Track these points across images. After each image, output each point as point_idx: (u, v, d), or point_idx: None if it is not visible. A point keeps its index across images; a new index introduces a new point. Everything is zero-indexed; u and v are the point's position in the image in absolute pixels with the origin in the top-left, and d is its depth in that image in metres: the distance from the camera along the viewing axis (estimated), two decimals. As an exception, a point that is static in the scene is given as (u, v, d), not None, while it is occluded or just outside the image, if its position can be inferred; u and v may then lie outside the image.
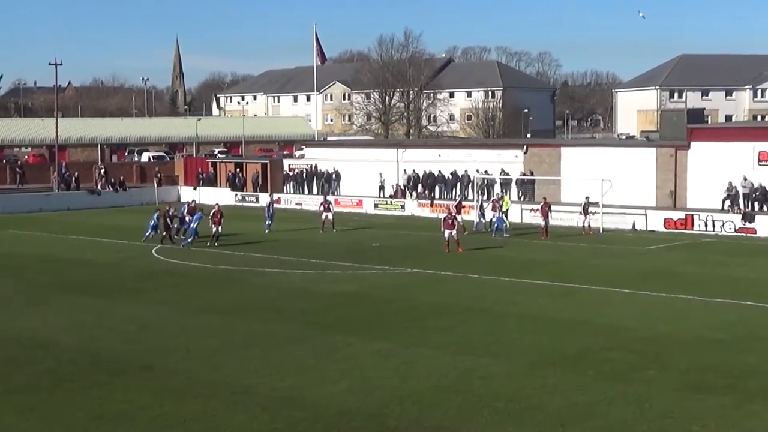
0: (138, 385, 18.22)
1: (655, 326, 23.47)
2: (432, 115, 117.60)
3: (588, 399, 17.17)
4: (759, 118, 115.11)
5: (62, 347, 21.64)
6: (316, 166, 64.94)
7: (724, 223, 44.99)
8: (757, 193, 47.00)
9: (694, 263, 35.31)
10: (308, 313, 25.67)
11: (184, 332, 23.17)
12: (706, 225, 45.36)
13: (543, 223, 43.91)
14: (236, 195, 65.18)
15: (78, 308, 26.55)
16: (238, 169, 68.62)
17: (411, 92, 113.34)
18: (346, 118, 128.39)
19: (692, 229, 45.43)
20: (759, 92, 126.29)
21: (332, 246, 40.64)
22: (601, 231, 45.17)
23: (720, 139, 50.13)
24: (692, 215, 46.16)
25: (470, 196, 53.93)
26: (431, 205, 55.45)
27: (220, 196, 62.66)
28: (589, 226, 44.87)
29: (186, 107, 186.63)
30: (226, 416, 16.30)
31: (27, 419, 16.36)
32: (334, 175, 63.31)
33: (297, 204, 61.47)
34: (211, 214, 40.90)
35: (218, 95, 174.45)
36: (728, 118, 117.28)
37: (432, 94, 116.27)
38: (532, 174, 55.10)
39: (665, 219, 46.91)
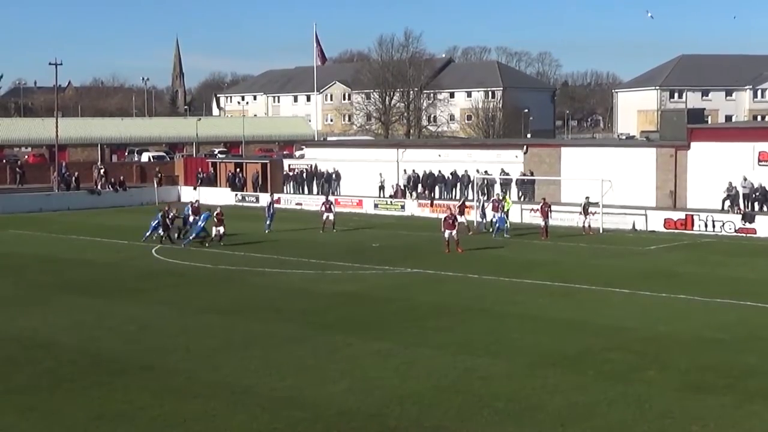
0: (138, 385, 18.23)
1: (655, 326, 23.48)
2: (432, 115, 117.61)
3: (588, 399, 17.17)
4: (759, 118, 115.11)
5: (62, 347, 21.64)
6: (316, 166, 64.94)
7: (724, 224, 45.00)
8: (757, 194, 47.00)
9: (694, 263, 35.32)
10: (308, 313, 25.67)
11: (184, 332, 23.17)
12: (706, 225, 45.37)
13: (543, 224, 43.92)
14: (236, 195, 65.18)
15: (78, 308, 26.55)
16: (238, 169, 68.62)
17: (411, 92, 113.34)
18: (346, 118, 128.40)
19: (692, 230, 45.43)
20: (759, 92, 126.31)
21: (332, 246, 40.64)
22: (601, 231, 45.18)
23: (720, 139, 50.14)
24: (692, 215, 46.17)
25: (470, 197, 53.92)
26: (431, 205, 55.44)
27: (220, 196, 62.82)
28: (589, 226, 44.87)
29: (186, 107, 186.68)
30: (226, 416, 16.30)
31: (27, 419, 16.36)
32: (334, 175, 63.31)
33: (297, 204, 61.47)
34: (214, 214, 40.97)
35: (218, 95, 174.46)
36: (728, 118, 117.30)
37: (432, 94, 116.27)
38: (532, 174, 55.11)
39: (665, 219, 46.92)
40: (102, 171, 69.21)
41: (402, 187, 59.94)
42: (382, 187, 60.63)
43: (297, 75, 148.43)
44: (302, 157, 71.93)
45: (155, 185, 66.57)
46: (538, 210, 45.94)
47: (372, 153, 64.90)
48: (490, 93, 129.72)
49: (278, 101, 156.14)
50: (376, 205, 58.40)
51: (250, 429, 15.71)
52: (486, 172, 55.49)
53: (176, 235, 42.07)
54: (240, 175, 67.47)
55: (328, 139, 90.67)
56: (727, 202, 47.11)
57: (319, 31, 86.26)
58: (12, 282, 31.75)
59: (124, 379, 18.76)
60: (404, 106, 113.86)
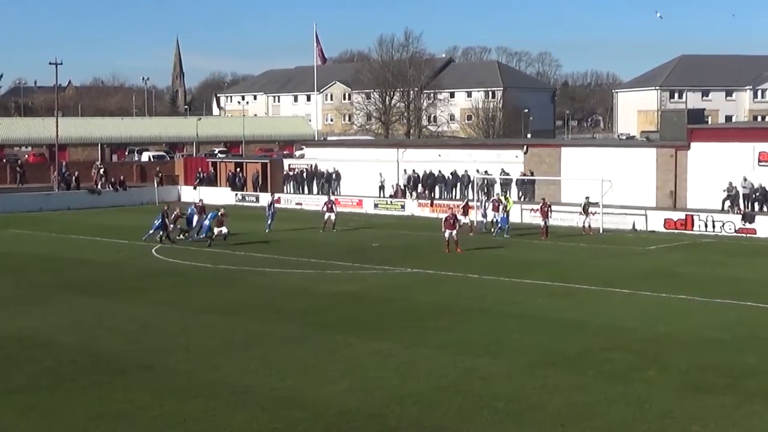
0: (138, 385, 18.23)
1: (655, 326, 23.48)
2: (432, 115, 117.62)
3: (588, 399, 17.17)
4: (759, 118, 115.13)
5: (62, 347, 21.64)
6: (316, 166, 64.95)
7: (724, 224, 45.00)
8: (757, 194, 47.00)
9: (694, 263, 35.32)
10: (308, 313, 25.67)
11: (184, 332, 23.17)
12: (706, 225, 45.37)
13: (543, 223, 43.94)
14: (236, 195, 65.18)
15: (78, 308, 26.55)
16: (238, 169, 68.62)
17: (411, 92, 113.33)
18: (347, 118, 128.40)
19: (692, 230, 45.43)
20: (759, 93, 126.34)
21: (332, 246, 40.64)
22: (601, 231, 45.18)
23: (720, 139, 50.14)
24: (692, 216, 46.17)
25: (470, 196, 53.92)
26: (431, 205, 55.45)
27: (220, 195, 62.80)
28: (589, 226, 44.87)
29: (186, 107, 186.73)
30: (226, 416, 16.30)
31: (27, 419, 16.36)
32: (334, 175, 63.30)
33: (297, 204, 61.47)
34: (219, 214, 41.02)
35: (218, 95, 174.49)
36: (728, 118, 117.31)
37: (432, 94, 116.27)
38: (532, 174, 55.11)
39: (665, 219, 46.92)
40: (102, 171, 69.13)
41: (402, 187, 59.94)
42: (382, 187, 60.63)
43: (297, 75, 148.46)
44: (302, 156, 71.92)
45: (155, 185, 66.59)
46: (537, 210, 45.94)
47: (372, 153, 64.90)
48: (490, 93, 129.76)
49: (278, 101, 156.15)
50: (376, 205, 58.41)
51: (250, 429, 15.71)
52: (486, 172, 55.51)
53: (178, 235, 42.05)
54: (240, 174, 67.47)
55: (328, 138, 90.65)
56: (727, 203, 47.11)
57: (319, 31, 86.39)
58: (12, 281, 31.75)
59: (124, 378, 18.75)
60: (404, 106, 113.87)
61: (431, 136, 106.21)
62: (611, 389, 17.76)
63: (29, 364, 20.03)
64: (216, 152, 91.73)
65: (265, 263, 35.35)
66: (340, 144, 75.94)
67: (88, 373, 19.25)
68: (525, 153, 56.66)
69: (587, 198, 45.87)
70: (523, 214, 50.56)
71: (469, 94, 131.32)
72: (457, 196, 56.60)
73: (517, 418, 16.13)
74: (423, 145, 69.20)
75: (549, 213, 44.32)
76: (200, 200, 47.43)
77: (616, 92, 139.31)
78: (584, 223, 45.04)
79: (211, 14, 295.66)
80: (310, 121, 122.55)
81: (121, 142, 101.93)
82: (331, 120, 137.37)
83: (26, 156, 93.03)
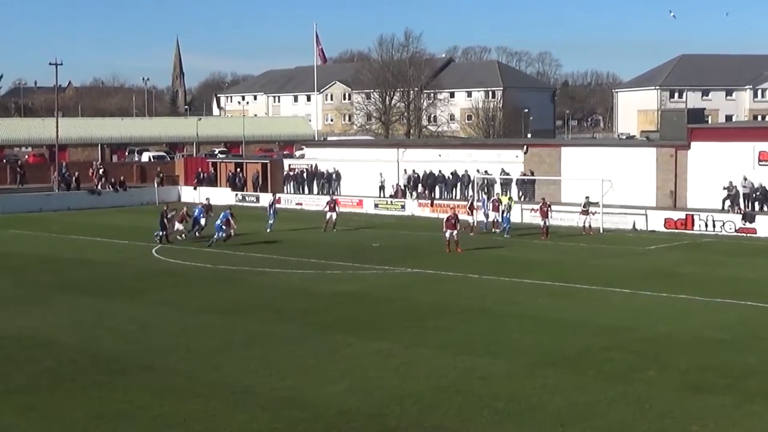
0: (138, 385, 18.23)
1: (655, 326, 23.47)
2: (432, 115, 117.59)
3: (588, 399, 17.17)
4: (759, 118, 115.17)
5: (62, 347, 21.65)
6: (316, 166, 64.94)
7: (724, 223, 44.99)
8: (758, 193, 46.99)
9: (695, 263, 35.31)
10: (308, 313, 25.67)
11: (185, 332, 23.18)
12: (706, 225, 45.36)
13: (543, 223, 43.94)
14: (236, 195, 65.15)
15: (78, 308, 26.56)
16: (238, 169, 68.62)
17: (411, 92, 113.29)
18: (347, 118, 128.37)
19: (692, 229, 45.42)
20: (759, 92, 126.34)
21: (332, 246, 40.64)
22: (601, 231, 45.17)
23: (720, 139, 50.14)
24: (692, 215, 46.16)
25: (473, 196, 53.95)
26: (431, 205, 55.45)
27: (220, 196, 62.76)
28: (589, 226, 44.87)
29: (186, 107, 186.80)
30: (226, 416, 16.30)
31: (27, 419, 16.37)
32: (334, 175, 63.30)
33: (297, 204, 61.47)
34: (230, 214, 41.07)
35: (218, 95, 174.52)
36: (728, 118, 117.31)
37: (432, 94, 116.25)
38: (532, 174, 55.10)
39: (665, 219, 46.90)
40: (101, 171, 69.06)
41: (402, 187, 59.93)
42: (382, 187, 60.62)
43: (297, 75, 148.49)
44: (302, 157, 71.92)
45: (155, 185, 66.59)
46: (537, 210, 45.93)
47: (372, 153, 64.90)
48: (490, 93, 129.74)
49: (278, 101, 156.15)
50: (376, 205, 58.41)
51: (250, 429, 15.71)
52: (486, 172, 55.51)
53: (179, 235, 42.03)
54: (240, 175, 67.46)
55: (329, 139, 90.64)
56: (727, 202, 47.10)
57: (319, 31, 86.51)
58: (12, 282, 31.76)
59: (124, 378, 18.76)
60: (404, 105, 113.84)
61: (431, 136, 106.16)
62: (611, 389, 17.76)
63: (29, 364, 20.04)
64: (216, 152, 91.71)
65: (265, 263, 35.35)
66: (340, 144, 75.95)
67: (88, 373, 19.25)
68: (525, 153, 56.66)
69: (587, 198, 45.86)
70: (523, 214, 50.54)
71: (469, 94, 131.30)
72: (457, 196, 56.62)
73: (517, 418, 16.13)
74: (423, 145, 69.19)
75: (549, 213, 44.30)
76: (207, 199, 47.38)
77: (616, 92, 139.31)
78: (584, 223, 45.04)
79: (211, 14, 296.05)
80: (310, 121, 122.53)
81: (122, 142, 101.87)
82: (331, 120, 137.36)
83: (26, 156, 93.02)
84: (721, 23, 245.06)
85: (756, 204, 46.91)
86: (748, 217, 44.74)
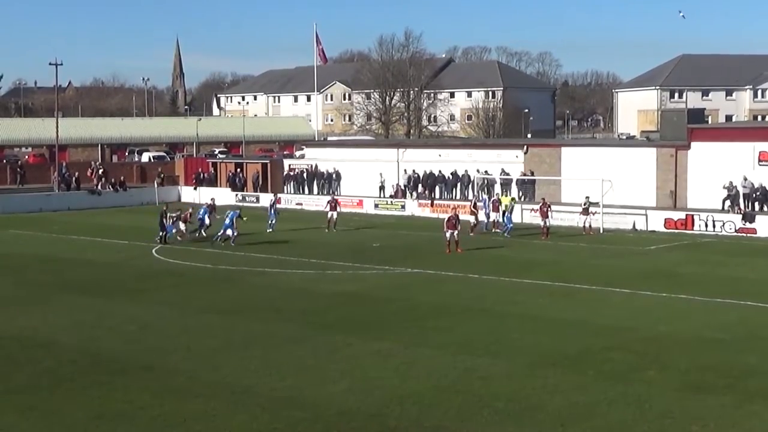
0: (138, 385, 18.23)
1: (655, 326, 23.48)
2: (432, 115, 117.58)
3: (588, 399, 17.17)
4: (759, 118, 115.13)
5: (62, 347, 21.65)
6: (316, 166, 64.94)
7: (724, 224, 44.99)
8: (758, 194, 46.99)
9: (695, 263, 35.31)
10: (308, 313, 25.67)
11: (185, 332, 23.18)
12: (706, 225, 45.35)
13: (543, 224, 43.94)
14: (236, 195, 65.15)
15: (78, 308, 26.56)
16: (238, 169, 68.61)
17: (411, 92, 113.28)
18: (347, 118, 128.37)
19: (692, 230, 45.42)
20: (759, 92, 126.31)
21: (332, 246, 40.64)
22: (601, 231, 45.17)
23: (720, 139, 50.12)
24: (692, 215, 46.15)
25: (470, 197, 53.98)
26: (431, 205, 55.46)
27: (220, 196, 62.73)
28: (589, 226, 44.87)
29: (186, 107, 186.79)
30: (226, 416, 16.30)
31: (27, 419, 16.37)
32: (334, 175, 63.30)
33: (297, 204, 61.48)
34: (239, 213, 41.14)
35: (219, 95, 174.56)
36: (728, 118, 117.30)
37: (432, 94, 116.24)
38: (532, 174, 55.09)
39: (665, 219, 46.90)
40: (101, 171, 69.01)
41: (402, 187, 59.93)
42: (382, 187, 60.62)
43: (297, 75, 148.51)
44: (302, 157, 71.92)
45: (155, 185, 66.58)
46: (537, 210, 45.92)
47: (372, 153, 64.89)
48: (490, 93, 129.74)
49: (278, 101, 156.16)
50: (376, 205, 58.41)
51: (250, 429, 15.71)
52: (486, 172, 55.51)
53: (180, 237, 42.01)
54: (240, 175, 67.46)
55: (329, 139, 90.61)
56: (727, 202, 47.10)
57: (319, 31, 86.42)
58: (12, 282, 31.77)
59: (124, 378, 18.76)
60: (404, 106, 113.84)
61: (431, 136, 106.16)
62: (611, 389, 17.76)
63: (29, 364, 20.04)
64: (216, 152, 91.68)
65: (265, 263, 35.35)
66: (340, 144, 75.92)
67: (88, 373, 19.25)
68: (525, 153, 56.65)
69: (587, 198, 45.86)
70: (524, 214, 50.53)
71: (469, 94, 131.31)
72: (458, 197, 56.63)
73: (517, 418, 16.13)
74: (423, 145, 69.18)
75: (549, 213, 44.30)
76: (212, 199, 47.34)
77: (616, 92, 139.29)
78: (584, 223, 45.04)
79: (211, 14, 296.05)
80: (310, 121, 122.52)
81: (122, 142, 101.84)
82: (332, 120, 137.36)
83: (26, 157, 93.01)
84: (722, 23, 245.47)
85: (756, 204, 46.90)
86: (748, 217, 44.74)
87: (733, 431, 15.57)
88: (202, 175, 69.74)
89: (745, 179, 47.16)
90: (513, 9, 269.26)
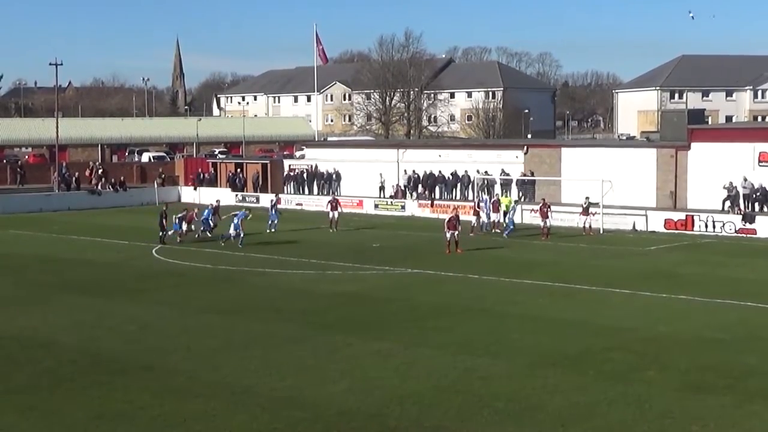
0: (138, 385, 18.23)
1: (655, 327, 23.48)
2: (432, 116, 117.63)
3: (588, 399, 17.17)
4: (759, 118, 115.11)
5: (62, 347, 21.65)
6: (316, 167, 64.94)
7: (724, 224, 44.99)
8: (758, 194, 46.98)
9: (695, 264, 35.31)
10: (308, 313, 25.68)
11: (185, 332, 23.18)
12: (706, 226, 45.35)
13: (543, 224, 43.95)
14: (236, 195, 65.14)
15: (78, 308, 26.56)
16: (238, 170, 68.62)
17: (411, 93, 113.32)
18: (347, 119, 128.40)
19: (692, 230, 45.42)
20: (759, 93, 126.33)
21: (332, 246, 40.64)
22: (601, 231, 45.16)
23: (720, 139, 50.11)
24: (692, 216, 46.16)
25: (470, 197, 53.99)
26: (431, 205, 55.46)
27: (220, 196, 62.73)
28: (589, 226, 44.86)
29: (186, 107, 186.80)
30: (226, 416, 16.30)
31: (27, 419, 16.37)
32: (334, 176, 63.30)
33: (297, 204, 61.49)
34: (248, 214, 41.20)
35: (219, 95, 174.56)
36: (728, 118, 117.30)
37: (432, 95, 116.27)
38: (532, 174, 55.09)
39: (665, 220, 46.90)
40: (100, 171, 68.97)
41: (402, 188, 59.93)
42: (382, 188, 60.62)
43: (297, 75, 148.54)
44: (302, 157, 71.92)
45: (155, 185, 66.58)
46: (537, 211, 45.91)
47: (372, 153, 64.89)
48: (490, 93, 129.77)
49: (279, 101, 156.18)
50: (376, 206, 58.41)
51: (250, 429, 15.71)
52: (486, 172, 55.51)
53: (177, 238, 42.01)
54: (240, 175, 67.46)
55: (329, 139, 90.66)
56: (728, 203, 47.10)
57: (319, 32, 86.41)
58: (12, 282, 31.77)
59: (124, 378, 18.76)
60: (404, 106, 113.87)
61: (431, 137, 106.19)
62: (611, 389, 17.76)
63: (29, 364, 20.04)
64: (216, 153, 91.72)
65: (265, 263, 35.35)
66: (340, 144, 75.95)
67: (88, 373, 19.25)
68: (525, 153, 56.65)
69: (587, 198, 45.86)
70: (524, 215, 50.52)
71: (470, 95, 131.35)
72: (458, 197, 56.63)
73: (517, 418, 16.13)
74: (423, 146, 69.16)
75: (549, 213, 44.29)
76: (217, 201, 47.24)
77: (617, 92, 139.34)
78: (584, 223, 45.03)
79: (211, 14, 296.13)
80: (310, 121, 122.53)
81: (122, 142, 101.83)
82: (332, 120, 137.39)
83: (26, 157, 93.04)
84: (722, 23, 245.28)
85: (756, 205, 46.90)
86: (748, 218, 44.74)
87: (733, 431, 15.57)
88: (202, 175, 69.76)
89: (745, 180, 47.15)
90: (513, 9, 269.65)
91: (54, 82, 77.49)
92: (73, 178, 66.39)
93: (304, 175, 64.84)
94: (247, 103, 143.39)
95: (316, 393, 17.68)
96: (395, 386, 18.10)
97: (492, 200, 48.02)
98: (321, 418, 16.17)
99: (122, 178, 68.52)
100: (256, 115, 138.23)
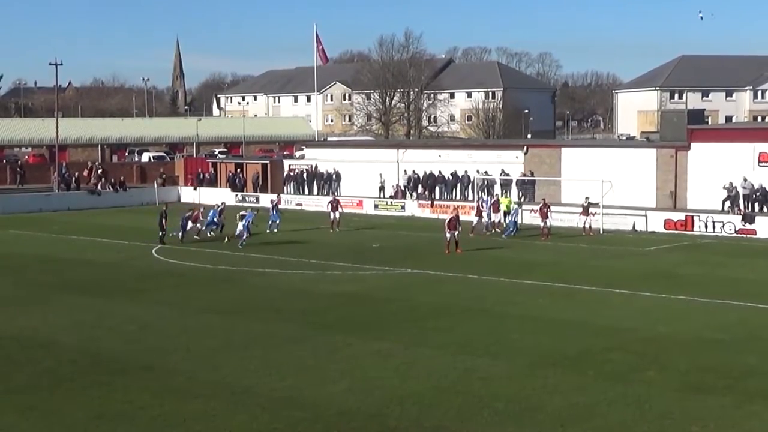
0: (138, 385, 18.23)
1: (655, 327, 23.48)
2: (432, 116, 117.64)
3: (588, 399, 17.17)
4: (759, 119, 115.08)
5: (62, 347, 21.65)
6: (316, 167, 64.94)
7: (724, 224, 44.99)
8: (758, 194, 46.99)
9: (694, 264, 35.31)
10: (308, 313, 25.68)
11: (185, 332, 23.18)
12: (706, 226, 45.35)
13: (542, 224, 43.95)
14: (236, 195, 65.14)
15: (78, 308, 26.56)
16: (238, 170, 68.63)
17: (411, 93, 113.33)
18: (347, 119, 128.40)
19: (692, 230, 45.42)
20: (759, 93, 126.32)
21: (332, 246, 40.64)
22: (601, 232, 45.16)
23: (720, 140, 50.13)
24: (692, 216, 46.16)
25: (470, 197, 53.98)
26: (431, 205, 55.46)
27: (220, 196, 62.76)
28: (589, 227, 44.86)
29: (186, 107, 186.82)
30: (226, 416, 16.30)
31: (27, 419, 16.37)
32: (334, 176, 63.30)
33: (297, 204, 61.49)
34: (256, 214, 41.31)
35: (219, 95, 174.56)
36: (728, 119, 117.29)
37: (432, 95, 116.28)
38: (532, 175, 55.10)
39: (665, 220, 46.90)
40: (100, 171, 68.92)
41: (402, 188, 59.93)
42: (382, 188, 60.63)
43: (297, 75, 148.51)
44: (302, 157, 71.92)
45: (155, 186, 66.57)
46: (537, 211, 45.91)
47: (372, 153, 64.89)
48: (490, 93, 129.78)
49: (279, 101, 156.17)
50: (376, 206, 58.41)
51: (250, 429, 15.72)
52: (486, 172, 55.51)
53: (177, 237, 42.02)
54: (240, 175, 67.47)
55: (329, 139, 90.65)
56: (727, 203, 47.11)
57: (319, 31, 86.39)
58: (12, 282, 31.77)
59: (124, 378, 18.76)
60: (404, 106, 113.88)
61: (431, 137, 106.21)
62: (611, 389, 17.77)
63: (29, 364, 20.04)
64: (216, 153, 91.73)
65: (265, 264, 35.35)
66: (340, 145, 75.94)
67: (88, 373, 19.26)
68: (525, 153, 56.66)
69: (587, 198, 45.86)
70: (524, 215, 50.48)
71: (470, 95, 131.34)
72: (458, 197, 56.63)
73: (517, 419, 16.14)
74: (423, 146, 69.16)
75: (549, 214, 44.29)
76: (222, 203, 47.18)
77: (616, 93, 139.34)
78: (584, 223, 45.03)
79: (211, 14, 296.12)
80: (310, 121, 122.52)
81: (122, 142, 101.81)
82: (332, 120, 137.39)
83: (26, 157, 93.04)
84: (722, 23, 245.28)
85: (756, 205, 46.91)
86: (748, 218, 44.74)
87: (733, 431, 15.60)
88: (202, 175, 69.76)
89: (745, 180, 47.17)
90: (513, 9, 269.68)
91: (54, 82, 77.57)
92: (73, 178, 66.40)
93: (304, 176, 64.85)
94: (247, 103, 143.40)
95: (316, 393, 17.68)
96: (395, 386, 18.10)
97: (492, 200, 48.02)
98: (321, 418, 16.17)
99: (122, 178, 68.51)
100: (256, 115, 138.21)
